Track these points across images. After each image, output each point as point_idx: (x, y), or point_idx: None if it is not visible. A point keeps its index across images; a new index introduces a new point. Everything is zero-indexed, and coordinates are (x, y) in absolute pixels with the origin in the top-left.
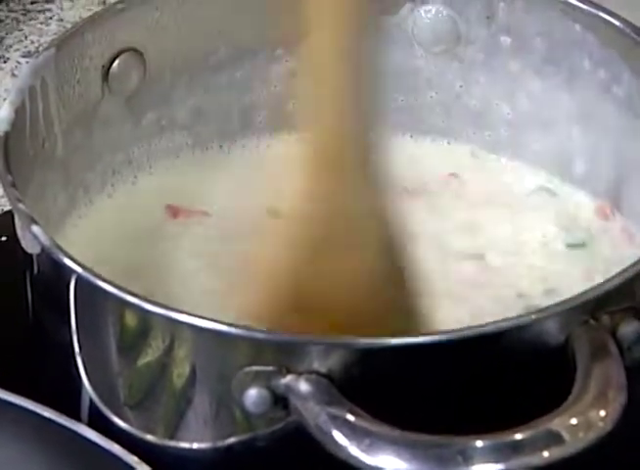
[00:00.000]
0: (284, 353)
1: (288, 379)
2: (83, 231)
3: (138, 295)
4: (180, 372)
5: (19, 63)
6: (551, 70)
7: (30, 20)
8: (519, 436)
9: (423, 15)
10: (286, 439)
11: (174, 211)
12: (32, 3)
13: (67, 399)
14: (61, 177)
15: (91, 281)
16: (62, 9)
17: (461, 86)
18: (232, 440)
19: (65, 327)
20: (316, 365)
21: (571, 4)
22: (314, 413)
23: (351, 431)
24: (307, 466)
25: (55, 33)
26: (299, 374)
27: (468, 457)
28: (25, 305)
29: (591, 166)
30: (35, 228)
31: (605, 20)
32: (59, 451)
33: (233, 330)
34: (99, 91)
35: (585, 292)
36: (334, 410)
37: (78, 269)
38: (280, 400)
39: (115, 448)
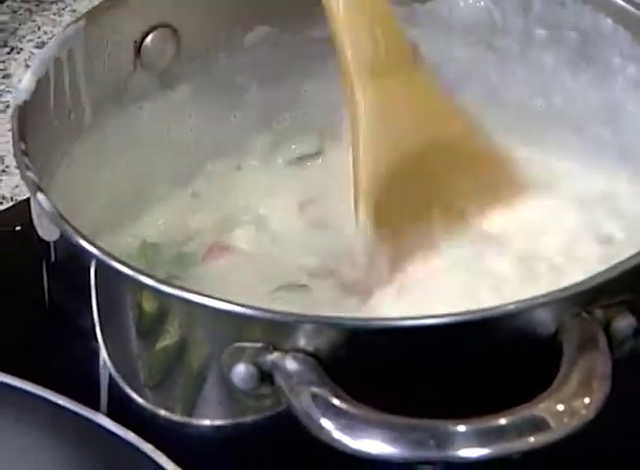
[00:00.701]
0: (272, 331)
1: (274, 356)
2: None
3: (155, 277)
4: (175, 346)
5: (32, 53)
6: (583, 65)
7: (43, 11)
8: (502, 421)
9: (460, 3)
10: (273, 416)
11: None
12: None
13: (84, 386)
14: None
15: (111, 264)
16: (75, 0)
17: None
18: (226, 417)
19: (86, 312)
20: (303, 344)
21: None
22: (296, 391)
23: (331, 411)
24: (295, 445)
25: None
26: (286, 352)
27: (451, 441)
28: (41, 293)
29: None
30: (40, 196)
31: (635, 15)
32: (74, 439)
33: (223, 306)
34: (130, 66)
35: (578, 284)
36: (316, 389)
37: (97, 253)
38: (267, 377)
39: (131, 436)
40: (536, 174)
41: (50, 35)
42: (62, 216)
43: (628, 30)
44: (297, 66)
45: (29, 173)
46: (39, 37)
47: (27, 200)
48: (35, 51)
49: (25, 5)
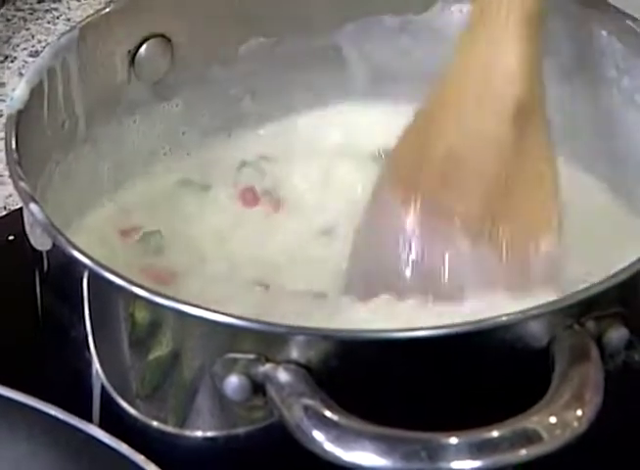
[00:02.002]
0: (264, 342)
1: (266, 367)
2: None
3: (147, 287)
4: (167, 357)
5: (26, 62)
6: (577, 76)
7: (37, 19)
8: (495, 433)
9: (454, 13)
10: (265, 427)
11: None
12: (39, 2)
13: (76, 397)
14: (85, 159)
15: (103, 275)
16: (69, 8)
17: None
18: (218, 428)
19: (78, 323)
20: (295, 355)
21: (598, 10)
22: (288, 403)
23: (323, 423)
24: (288, 456)
25: (62, 33)
26: (278, 363)
27: (443, 453)
28: (34, 303)
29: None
30: (33, 206)
31: (630, 27)
32: (68, 450)
33: (215, 317)
34: (125, 75)
35: (570, 296)
36: (307, 401)
37: (89, 263)
38: (259, 389)
39: (123, 448)
40: None
41: (44, 44)
42: (54, 227)
43: (622, 43)
44: (292, 77)
45: (22, 183)
46: (33, 46)
47: (21, 209)
48: (29, 60)
49: (19, 13)
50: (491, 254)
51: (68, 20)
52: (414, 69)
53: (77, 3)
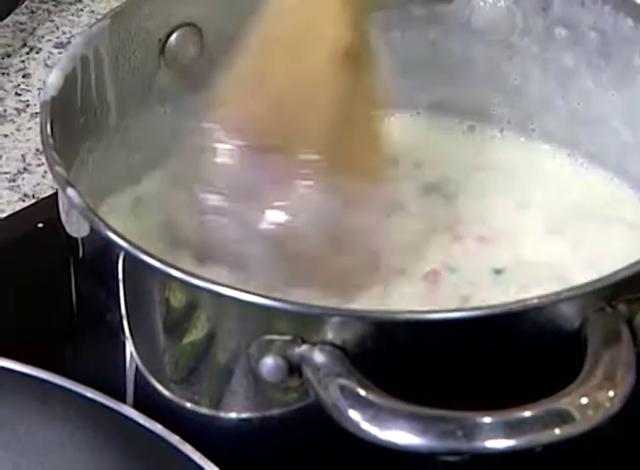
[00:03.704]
0: (300, 323)
1: (303, 349)
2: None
3: (184, 269)
4: (202, 340)
5: (51, 53)
6: (603, 65)
7: (62, 11)
8: (529, 413)
9: (481, 3)
10: (300, 409)
11: None
12: None
13: (111, 380)
14: (117, 147)
15: (139, 257)
16: (93, 0)
17: (515, 79)
18: (253, 410)
19: (114, 306)
20: (331, 336)
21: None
22: (324, 383)
23: (357, 402)
24: (322, 437)
25: (86, 24)
26: (314, 344)
27: (478, 432)
28: (68, 289)
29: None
30: (70, 191)
31: None
32: (104, 432)
33: (252, 298)
34: (155, 64)
35: (601, 279)
36: (343, 381)
37: (126, 245)
38: (295, 370)
39: (158, 428)
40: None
41: (69, 36)
42: (92, 210)
43: None
44: None
45: (59, 168)
46: (57, 37)
47: (49, 197)
48: (54, 51)
49: (44, 5)
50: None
51: (93, 12)
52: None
53: None
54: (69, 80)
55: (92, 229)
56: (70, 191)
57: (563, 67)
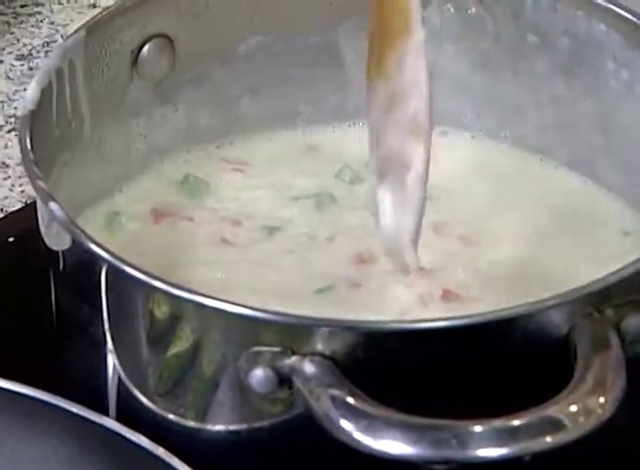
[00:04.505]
0: (289, 335)
1: (292, 360)
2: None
3: (168, 281)
4: (187, 352)
5: (12, 65)
6: (575, 71)
7: (21, 23)
8: (521, 421)
9: (450, 10)
10: (289, 420)
11: None
12: (22, 6)
13: (94, 393)
14: (91, 159)
15: (123, 269)
16: (52, 11)
17: (486, 86)
18: (241, 422)
19: (96, 319)
20: (321, 347)
21: (595, 3)
22: (316, 394)
23: (350, 412)
24: (315, 447)
25: (47, 36)
26: (304, 356)
27: (467, 441)
28: (47, 302)
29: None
30: (53, 205)
31: (628, 19)
32: (89, 446)
33: (242, 310)
34: (128, 76)
35: (588, 284)
36: (335, 392)
37: (109, 257)
38: (285, 381)
39: (144, 441)
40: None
41: (30, 47)
42: (74, 223)
43: (621, 34)
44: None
45: (41, 183)
46: (19, 50)
47: (19, 211)
48: (16, 63)
49: (3, 18)
50: None
51: (52, 23)
52: None
53: (60, 6)
54: (46, 94)
55: (74, 242)
56: (53, 205)
57: (534, 73)
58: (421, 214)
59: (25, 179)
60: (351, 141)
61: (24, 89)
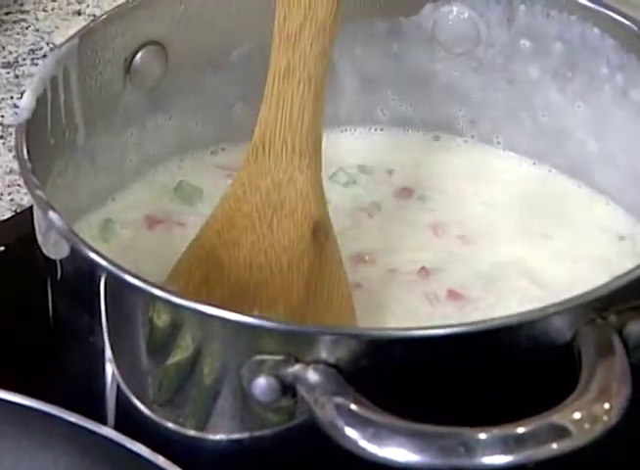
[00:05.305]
0: (293, 343)
1: (296, 368)
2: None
3: (168, 289)
4: (188, 361)
5: None
6: (569, 76)
7: (6, 30)
8: (522, 429)
9: (444, 15)
10: (292, 428)
11: None
12: (7, 14)
13: (93, 402)
14: (85, 169)
15: (123, 277)
16: (37, 19)
17: (479, 92)
18: (243, 430)
19: (95, 328)
20: (324, 355)
21: (589, 8)
22: (320, 402)
23: (355, 420)
24: (318, 456)
25: (32, 43)
26: (308, 364)
27: (472, 449)
28: (44, 311)
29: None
30: (52, 214)
31: (623, 24)
32: (90, 456)
33: (244, 319)
34: (121, 83)
35: (592, 291)
36: (339, 400)
37: (108, 266)
38: (289, 390)
39: (144, 451)
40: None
41: (15, 55)
42: (73, 232)
43: (615, 39)
44: None
45: (39, 192)
46: (4, 57)
47: (8, 220)
48: (2, 71)
49: None
50: None
51: (37, 30)
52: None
53: (44, 14)
54: (41, 102)
55: (72, 250)
56: (52, 214)
57: (528, 78)
58: None
59: (15, 188)
60: (345, 146)
61: (11, 97)
